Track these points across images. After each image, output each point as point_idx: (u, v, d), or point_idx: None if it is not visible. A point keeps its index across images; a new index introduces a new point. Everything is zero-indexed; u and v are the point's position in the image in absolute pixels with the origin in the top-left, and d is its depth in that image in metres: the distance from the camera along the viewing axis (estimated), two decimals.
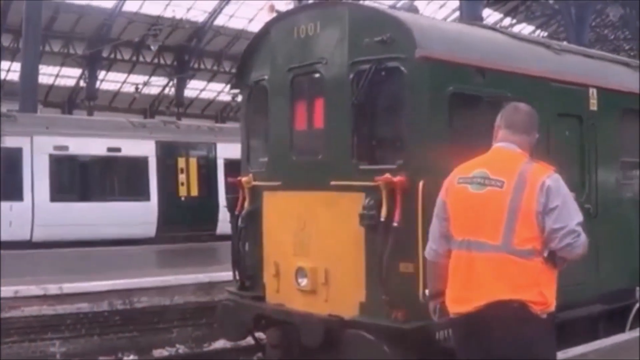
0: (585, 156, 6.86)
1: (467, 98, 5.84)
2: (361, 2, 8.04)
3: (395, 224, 5.42)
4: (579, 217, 3.34)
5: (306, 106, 6.60)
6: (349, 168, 5.95)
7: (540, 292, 3.27)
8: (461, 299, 3.36)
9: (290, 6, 21.19)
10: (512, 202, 3.29)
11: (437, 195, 5.23)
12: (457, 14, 31.10)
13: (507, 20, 39.13)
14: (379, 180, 5.51)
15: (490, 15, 36.18)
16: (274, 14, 10.25)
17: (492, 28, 7.75)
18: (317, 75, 6.41)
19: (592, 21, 31.90)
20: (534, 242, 3.27)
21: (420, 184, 5.36)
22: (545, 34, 38.01)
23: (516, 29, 33.16)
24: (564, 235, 3.25)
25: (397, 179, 5.46)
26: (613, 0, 30.49)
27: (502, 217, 3.29)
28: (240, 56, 7.49)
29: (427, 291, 3.77)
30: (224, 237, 15.15)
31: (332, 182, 5.98)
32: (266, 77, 6.91)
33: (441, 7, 37.48)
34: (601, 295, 6.85)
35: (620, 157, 7.39)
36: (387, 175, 5.50)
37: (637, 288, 7.27)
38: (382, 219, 5.48)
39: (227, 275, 9.09)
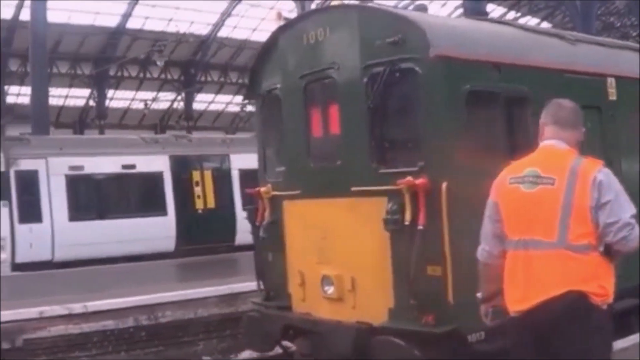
0: (607, 148, 6.75)
1: (484, 95, 5.77)
2: (368, 3, 7.97)
3: (420, 227, 5.36)
4: (632, 209, 3.33)
5: (321, 112, 6.55)
6: (369, 173, 5.89)
7: (600, 285, 3.28)
8: (522, 298, 3.35)
9: (294, 14, 21.23)
10: (565, 199, 3.29)
11: (461, 195, 5.24)
12: (460, 11, 31.01)
13: (511, 14, 38.92)
14: (401, 184, 5.45)
15: (494, 10, 36.00)
16: (282, 22, 10.22)
17: (502, 22, 7.67)
18: (330, 80, 6.35)
19: (597, 9, 31.63)
20: (589, 237, 3.28)
21: (444, 185, 5.31)
22: (551, 25, 37.76)
23: (520, 22, 32.95)
24: (619, 228, 3.26)
25: (419, 181, 5.40)
26: None
27: (556, 214, 3.29)
28: (250, 67, 7.48)
29: (479, 294, 3.71)
30: (243, 248, 15.18)
31: (353, 188, 5.93)
32: (278, 85, 6.88)
33: (442, 6, 37.35)
34: (630, 289, 6.72)
35: None
36: (409, 178, 5.44)
37: None
38: (407, 223, 5.43)
39: (248, 286, 9.08)
